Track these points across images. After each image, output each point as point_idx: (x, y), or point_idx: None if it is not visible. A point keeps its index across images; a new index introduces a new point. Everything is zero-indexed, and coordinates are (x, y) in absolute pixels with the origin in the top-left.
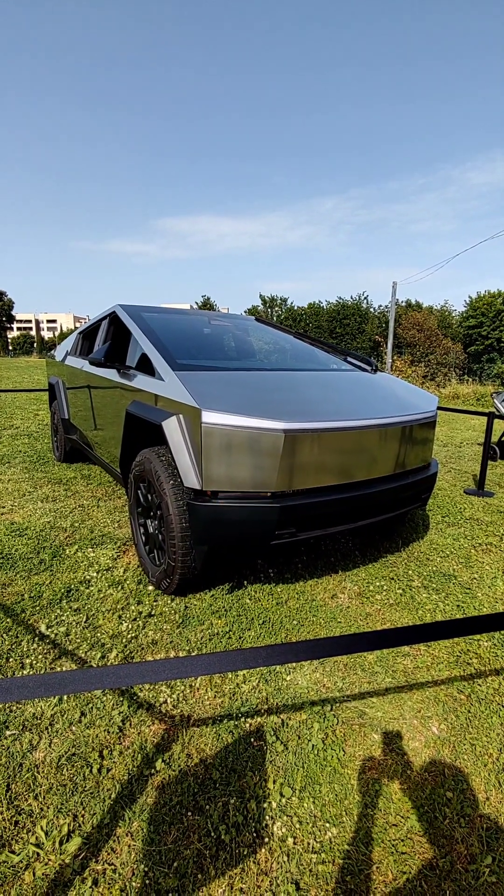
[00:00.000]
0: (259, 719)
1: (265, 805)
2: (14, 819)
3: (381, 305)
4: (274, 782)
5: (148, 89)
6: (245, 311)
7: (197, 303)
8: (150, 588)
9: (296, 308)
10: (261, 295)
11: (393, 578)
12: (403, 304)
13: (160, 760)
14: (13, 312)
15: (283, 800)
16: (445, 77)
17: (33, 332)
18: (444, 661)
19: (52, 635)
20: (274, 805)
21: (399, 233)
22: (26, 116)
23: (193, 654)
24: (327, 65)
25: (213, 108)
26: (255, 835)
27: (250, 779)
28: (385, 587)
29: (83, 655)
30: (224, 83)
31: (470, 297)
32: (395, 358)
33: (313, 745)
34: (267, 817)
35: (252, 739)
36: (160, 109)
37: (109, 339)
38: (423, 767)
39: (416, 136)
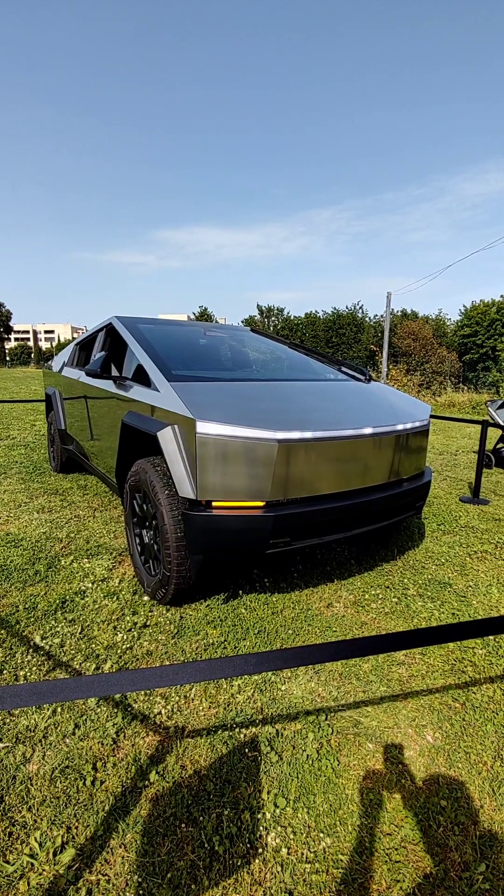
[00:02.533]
0: (254, 729)
1: (259, 816)
2: (8, 830)
3: (376, 315)
4: (268, 793)
5: (145, 101)
6: (242, 321)
7: (194, 313)
8: (146, 599)
9: (292, 318)
10: (258, 305)
11: (388, 587)
12: (399, 313)
13: (154, 772)
14: (10, 323)
15: (278, 810)
16: (438, 87)
17: (31, 343)
18: (439, 670)
19: (47, 647)
20: (268, 816)
21: (394, 242)
22: (27, 128)
23: None
24: (323, 76)
25: (210, 120)
26: (248, 845)
27: (244, 790)
28: (380, 595)
29: (78, 667)
30: (220, 96)
31: (464, 306)
32: (390, 367)
33: (308, 756)
34: (261, 828)
35: (246, 750)
36: (157, 122)
37: (106, 350)
38: (418, 776)
39: (410, 146)
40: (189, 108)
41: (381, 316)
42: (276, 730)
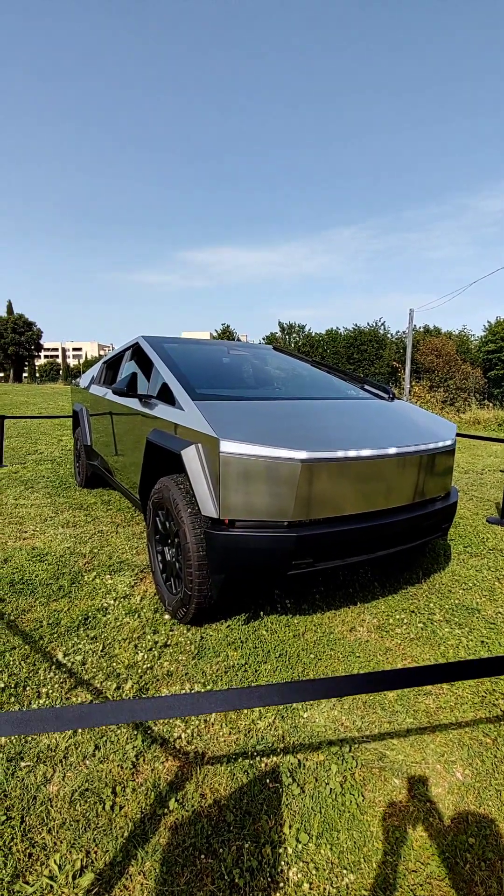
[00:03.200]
0: (275, 759)
1: (281, 851)
2: (28, 851)
3: (398, 331)
4: (290, 827)
5: (170, 128)
6: (263, 338)
7: (216, 330)
8: (167, 617)
9: (313, 335)
10: (279, 322)
11: (413, 611)
12: (421, 329)
13: (173, 800)
14: (41, 341)
15: (300, 846)
16: (458, 104)
17: (59, 360)
18: (469, 702)
19: (69, 664)
20: (290, 851)
21: (415, 259)
22: (60, 155)
23: (209, 687)
24: (343, 95)
25: (232, 144)
26: (269, 879)
27: (265, 823)
28: (405, 620)
29: (99, 686)
30: (241, 120)
31: (489, 322)
32: (413, 383)
33: (331, 789)
34: (283, 862)
35: (267, 780)
36: (179, 146)
37: (132, 368)
38: (446, 814)
39: (430, 164)
40: (212, 132)
41: (403, 332)
42: (298, 760)
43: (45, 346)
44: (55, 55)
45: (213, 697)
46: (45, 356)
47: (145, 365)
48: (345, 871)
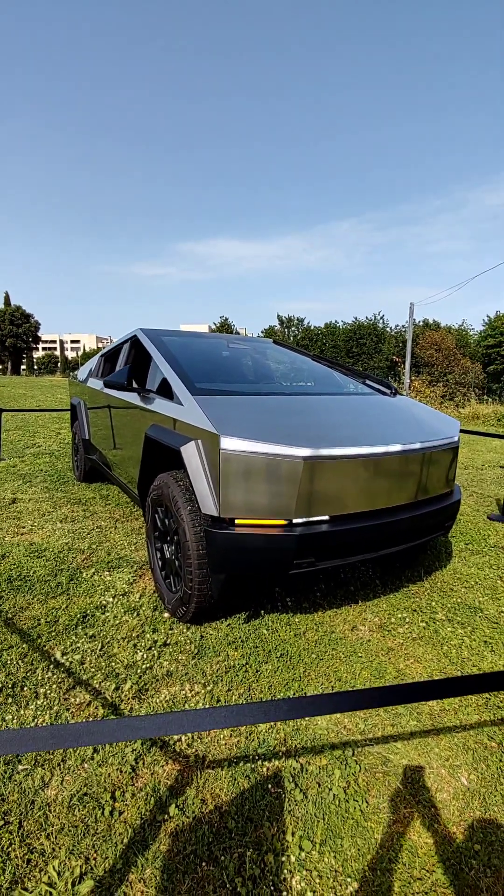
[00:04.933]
0: (277, 763)
1: (283, 858)
2: (27, 857)
3: (397, 325)
4: (293, 834)
5: (167, 121)
6: (262, 331)
7: (215, 324)
8: (166, 615)
9: (312, 328)
10: (278, 315)
11: (415, 610)
12: (421, 323)
13: (174, 805)
14: (39, 333)
15: (303, 853)
16: (458, 97)
17: (57, 353)
18: (473, 705)
19: (67, 663)
20: (293, 859)
21: (415, 253)
22: (56, 150)
23: (209, 687)
24: (340, 88)
25: (230, 136)
26: (272, 888)
27: (268, 829)
28: (407, 619)
29: (97, 686)
30: (237, 112)
31: (488, 316)
32: (412, 378)
33: (334, 795)
34: (285, 871)
35: (269, 785)
36: (177, 140)
37: (130, 362)
38: (451, 820)
39: (429, 158)
40: (209, 125)
41: (403, 326)
42: (301, 764)
43: (43, 338)
44: (48, 46)
45: (217, 714)
46: (43, 348)
47: (144, 358)
48: (349, 880)
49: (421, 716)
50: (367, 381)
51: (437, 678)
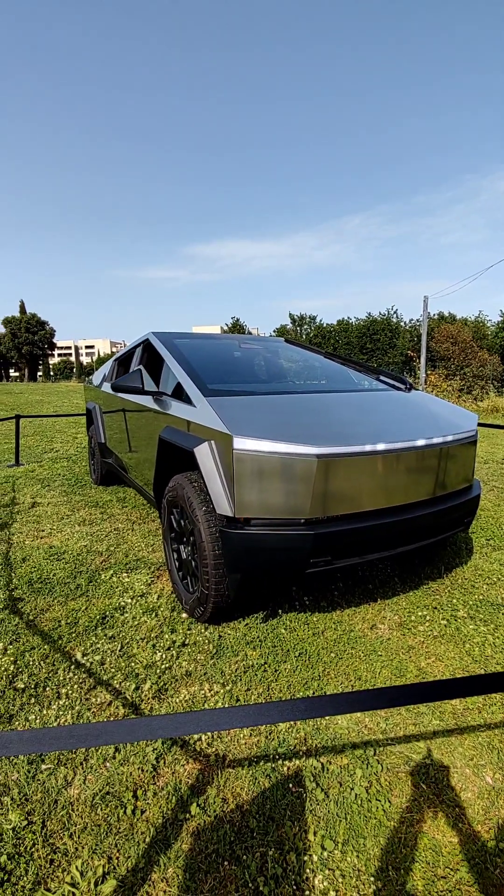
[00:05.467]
0: (297, 762)
1: (306, 858)
2: (50, 857)
3: (411, 319)
4: (315, 834)
5: (176, 124)
6: (274, 331)
7: (227, 324)
8: (184, 616)
9: (325, 325)
10: (290, 314)
11: (436, 608)
12: (436, 316)
13: (195, 804)
14: (54, 340)
15: (325, 853)
16: (466, 90)
17: (73, 358)
18: (498, 703)
19: (88, 664)
20: (315, 858)
21: (428, 245)
22: (70, 159)
23: (228, 687)
24: (348, 85)
25: (237, 137)
26: (294, 887)
27: (289, 829)
28: (428, 617)
29: (118, 686)
30: (247, 112)
31: None
32: (428, 372)
33: (356, 795)
34: (308, 870)
35: (290, 785)
36: (183, 142)
37: (143, 365)
38: (476, 819)
39: (440, 148)
40: (216, 126)
41: (417, 320)
42: (322, 764)
43: (59, 344)
44: (57, 53)
45: (237, 713)
46: (59, 354)
47: (156, 361)
48: (372, 879)
49: (444, 715)
50: (381, 377)
51: (459, 676)
